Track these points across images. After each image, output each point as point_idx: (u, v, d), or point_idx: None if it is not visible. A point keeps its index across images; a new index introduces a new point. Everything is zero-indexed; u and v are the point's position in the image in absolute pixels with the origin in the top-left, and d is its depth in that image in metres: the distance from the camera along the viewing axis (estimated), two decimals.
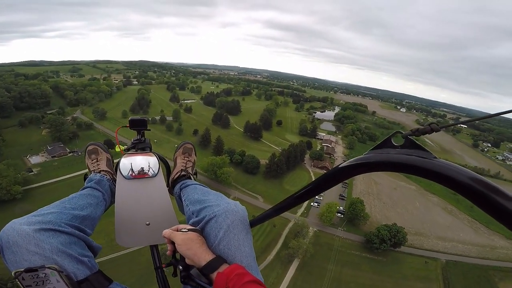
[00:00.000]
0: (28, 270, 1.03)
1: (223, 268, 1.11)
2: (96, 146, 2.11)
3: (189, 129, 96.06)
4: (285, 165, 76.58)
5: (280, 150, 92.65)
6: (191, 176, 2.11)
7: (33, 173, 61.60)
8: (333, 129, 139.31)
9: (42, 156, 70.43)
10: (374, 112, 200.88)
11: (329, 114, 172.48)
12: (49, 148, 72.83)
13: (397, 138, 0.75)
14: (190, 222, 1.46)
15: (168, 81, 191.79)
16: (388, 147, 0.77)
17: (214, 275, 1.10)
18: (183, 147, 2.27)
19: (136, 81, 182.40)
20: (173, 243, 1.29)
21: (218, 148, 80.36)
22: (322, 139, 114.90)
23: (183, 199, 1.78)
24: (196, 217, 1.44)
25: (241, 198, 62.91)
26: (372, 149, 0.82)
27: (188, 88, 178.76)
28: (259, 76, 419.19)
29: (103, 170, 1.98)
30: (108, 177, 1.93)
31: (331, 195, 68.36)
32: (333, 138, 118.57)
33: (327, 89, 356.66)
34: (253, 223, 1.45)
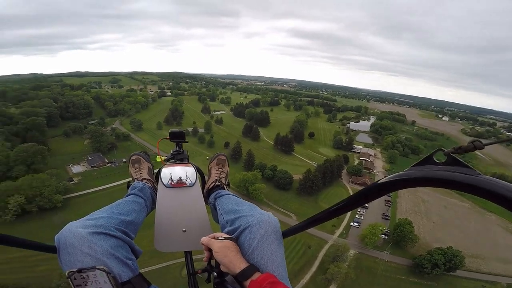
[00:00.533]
0: (81, 270, 1.12)
1: (256, 276, 1.15)
2: (139, 156, 2.29)
3: (220, 141, 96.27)
4: (321, 181, 72.79)
5: (315, 165, 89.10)
6: (225, 186, 2.20)
7: (73, 182, 64.78)
8: (370, 141, 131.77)
9: (83, 165, 74.29)
10: (413, 122, 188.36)
11: (365, 125, 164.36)
12: (89, 158, 76.82)
13: (439, 155, 0.75)
14: (224, 231, 1.52)
15: (199, 92, 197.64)
16: (430, 164, 0.77)
17: (247, 283, 1.14)
18: (217, 159, 2.35)
19: (170, 92, 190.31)
20: (209, 250, 1.35)
21: (249, 162, 79.01)
22: (359, 153, 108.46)
23: (217, 208, 1.85)
24: (230, 226, 1.51)
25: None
26: (413, 166, 0.82)
27: (218, 99, 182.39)
28: (286, 85, 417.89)
29: (145, 179, 2.13)
30: (149, 185, 2.08)
31: (372, 214, 63.97)
32: (371, 151, 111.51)
33: (359, 98, 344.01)
34: (286, 233, 1.47)
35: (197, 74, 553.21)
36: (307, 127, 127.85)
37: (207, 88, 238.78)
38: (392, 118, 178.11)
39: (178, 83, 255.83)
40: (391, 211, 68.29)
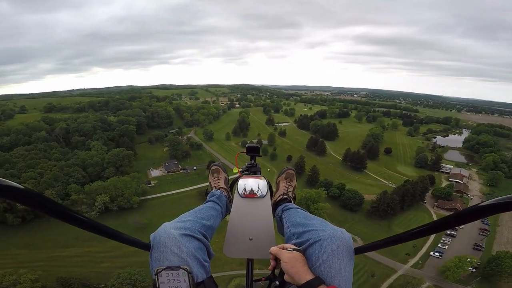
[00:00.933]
0: (168, 268, 1.23)
1: None
2: (218, 167, 2.51)
3: (283, 154, 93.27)
4: (398, 205, 61.99)
5: (393, 186, 77.44)
6: (292, 200, 2.24)
7: (150, 185, 71.52)
8: (463, 159, 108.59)
9: (160, 170, 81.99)
10: None
11: (455, 139, 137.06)
12: (166, 164, 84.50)
13: None
14: (291, 243, 1.52)
15: (264, 103, 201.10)
16: None
17: None
18: (286, 173, 2.42)
19: (238, 104, 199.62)
20: (276, 259, 1.39)
21: (312, 178, 73.32)
22: (449, 173, 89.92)
23: (284, 221, 1.88)
24: (297, 239, 1.53)
25: None
26: None
27: (282, 111, 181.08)
28: (356, 95, 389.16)
29: (222, 187, 2.32)
30: (225, 193, 2.26)
31: (460, 243, 54.73)
32: (464, 171, 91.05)
33: (447, 107, 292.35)
34: (358, 250, 1.46)
35: (262, 85, 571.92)
36: (383, 142, 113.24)
37: (271, 99, 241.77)
38: (493, 132, 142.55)
39: (245, 95, 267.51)
40: (486, 241, 55.70)
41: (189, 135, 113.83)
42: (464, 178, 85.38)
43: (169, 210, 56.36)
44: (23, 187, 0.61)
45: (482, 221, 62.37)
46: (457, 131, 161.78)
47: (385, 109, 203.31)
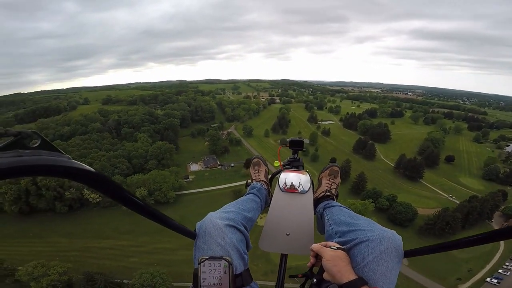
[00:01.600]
0: (211, 258, 1.23)
1: None
2: (259, 159, 2.49)
3: (326, 155, 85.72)
4: (460, 224, 51.74)
5: (454, 200, 65.83)
6: (334, 198, 2.17)
7: (188, 180, 71.27)
8: None
9: (199, 165, 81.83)
10: None
11: None
12: (205, 159, 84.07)
13: None
14: (333, 241, 1.48)
15: (306, 99, 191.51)
16: None
17: None
18: (330, 169, 2.32)
19: (279, 99, 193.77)
20: (316, 256, 1.34)
21: (358, 186, 65.26)
22: None
23: (326, 218, 1.83)
24: (340, 237, 1.49)
25: None
26: None
27: (326, 108, 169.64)
28: (410, 93, 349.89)
29: (262, 180, 2.30)
30: (265, 186, 2.24)
31: None
32: None
33: None
34: (408, 254, 1.36)
35: (305, 81, 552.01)
36: (444, 148, 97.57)
37: (314, 95, 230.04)
38: None
39: (286, 90, 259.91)
40: None
41: (229, 130, 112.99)
42: None
43: (202, 208, 54.19)
44: (94, 170, 0.63)
45: None
46: None
47: (446, 110, 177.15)
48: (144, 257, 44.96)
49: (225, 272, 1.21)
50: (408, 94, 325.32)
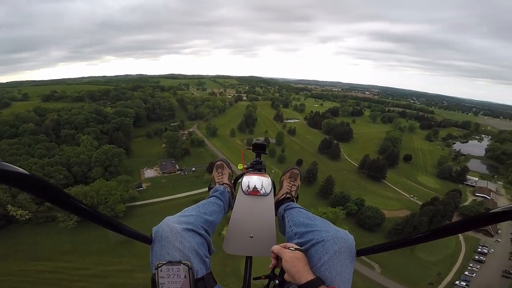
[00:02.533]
0: (169, 263, 1.19)
1: None
2: (223, 162, 2.47)
3: (293, 156, 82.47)
4: (426, 227, 52.20)
5: (415, 200, 67.25)
6: (294, 200, 2.20)
7: (141, 188, 61.97)
8: (484, 169, 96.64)
9: (155, 170, 72.28)
10: None
11: (476, 146, 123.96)
12: (162, 163, 74.70)
13: None
14: (292, 242, 1.51)
15: (272, 97, 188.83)
16: None
17: None
18: (290, 172, 2.37)
19: (246, 96, 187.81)
20: (277, 258, 1.37)
21: (326, 189, 62.81)
22: (474, 187, 78.58)
23: (286, 220, 1.86)
24: (299, 238, 1.51)
25: None
26: None
27: (291, 106, 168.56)
28: (368, 92, 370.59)
29: (225, 183, 2.27)
30: (228, 189, 2.21)
31: (488, 270, 47.13)
32: (491, 185, 79.75)
33: (463, 110, 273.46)
34: (360, 252, 1.44)
35: (271, 78, 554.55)
36: (401, 147, 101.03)
37: (280, 93, 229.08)
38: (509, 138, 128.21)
39: (253, 87, 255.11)
40: None
41: (191, 130, 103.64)
42: (491, 193, 74.30)
43: (158, 221, 46.24)
44: (28, 173, 0.57)
45: None
46: (478, 137, 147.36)
47: (400, 109, 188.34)
48: (93, 282, 37.89)
49: (185, 277, 1.18)
50: (365, 93, 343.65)
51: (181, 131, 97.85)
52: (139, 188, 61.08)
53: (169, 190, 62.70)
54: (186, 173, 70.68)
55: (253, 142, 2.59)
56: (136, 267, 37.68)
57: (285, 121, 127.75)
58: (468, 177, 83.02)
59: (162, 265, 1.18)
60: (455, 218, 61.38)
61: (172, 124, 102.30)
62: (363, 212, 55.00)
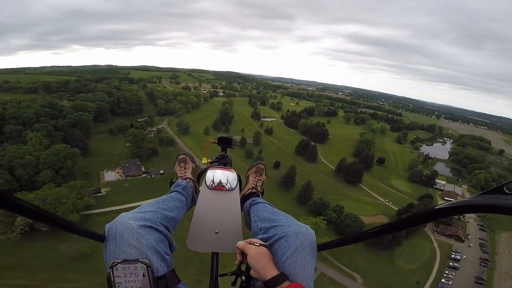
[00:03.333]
0: (125, 262, 1.12)
1: (285, 284, 1.16)
2: (185, 156, 2.39)
3: (270, 158, 79.06)
4: (405, 234, 52.62)
5: (388, 204, 67.72)
6: (260, 194, 2.20)
7: (100, 194, 54.54)
8: (448, 172, 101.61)
9: (118, 173, 64.39)
10: (502, 151, 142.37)
11: (439, 149, 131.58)
12: (126, 165, 66.86)
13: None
14: (257, 238, 1.53)
15: (250, 94, 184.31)
16: (499, 193, 0.74)
17: None
18: (256, 167, 2.36)
19: (222, 92, 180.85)
20: (243, 254, 1.37)
21: (305, 195, 60.34)
22: (442, 190, 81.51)
23: (251, 215, 1.84)
24: (264, 234, 1.52)
25: (331, 275, 43.82)
26: (480, 194, 0.79)
27: (268, 104, 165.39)
28: (340, 93, 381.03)
29: (188, 178, 2.18)
30: (192, 184, 2.12)
31: (463, 277, 47.77)
32: (457, 189, 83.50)
33: (426, 113, 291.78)
34: (321, 247, 1.47)
35: (249, 74, 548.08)
36: (374, 149, 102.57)
37: (257, 90, 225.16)
38: (476, 144, 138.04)
39: (231, 83, 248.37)
40: (487, 273, 49.14)
41: (160, 126, 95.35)
42: (458, 197, 76.48)
43: None
44: None
45: (482, 250, 56.35)
46: (441, 140, 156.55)
47: (372, 111, 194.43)
48: None
49: (144, 275, 1.13)
50: (338, 94, 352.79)
51: (149, 128, 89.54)
52: (98, 194, 53.49)
53: (133, 196, 55.71)
54: (152, 176, 63.79)
55: (218, 136, 2.49)
56: (98, 285, 32.75)
57: (262, 119, 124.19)
58: (437, 180, 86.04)
59: (118, 264, 1.12)
60: (428, 224, 63.05)
61: (139, 120, 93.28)
62: (342, 220, 53.74)
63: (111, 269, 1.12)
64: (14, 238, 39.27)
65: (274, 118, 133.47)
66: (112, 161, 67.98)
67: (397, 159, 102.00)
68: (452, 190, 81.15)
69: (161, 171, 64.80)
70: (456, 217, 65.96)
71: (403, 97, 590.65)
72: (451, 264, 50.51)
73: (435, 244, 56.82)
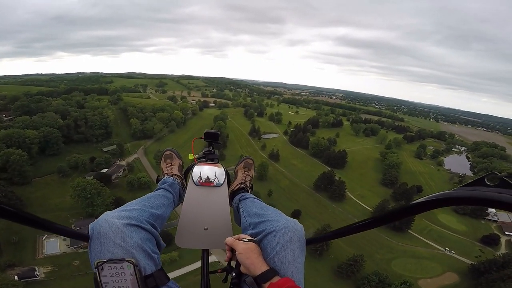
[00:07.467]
0: (110, 261, 1.07)
1: (276, 279, 1.14)
2: (171, 152, 2.22)
3: (282, 199, 55.94)
4: None
5: (453, 255, 46.72)
6: (249, 190, 2.12)
7: (35, 278, 30.57)
8: None
9: (64, 240, 39.24)
10: None
11: (458, 161, 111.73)
12: (76, 228, 41.78)
13: (492, 179, 0.71)
14: (246, 233, 1.49)
15: (244, 103, 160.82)
16: (480, 185, 0.72)
17: (266, 285, 1.14)
18: (245, 162, 2.25)
19: (213, 102, 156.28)
20: (232, 250, 1.32)
21: (352, 269, 37.45)
22: (497, 221, 62.40)
23: (241, 211, 1.79)
24: (253, 229, 1.48)
25: None
26: (462, 186, 0.78)
27: (266, 114, 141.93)
28: (334, 97, 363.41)
29: (175, 174, 2.06)
30: (178, 181, 2.02)
31: None
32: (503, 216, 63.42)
33: (422, 115, 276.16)
34: (310, 242, 1.45)
35: (240, 80, 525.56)
36: (400, 172, 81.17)
37: (251, 97, 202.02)
38: (494, 153, 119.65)
39: (222, 90, 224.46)
40: None
41: (134, 157, 70.14)
42: None
43: None
44: None
45: None
46: (456, 149, 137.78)
47: (376, 117, 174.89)
48: None
49: (131, 274, 1.08)
50: (331, 98, 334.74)
51: (117, 162, 64.42)
52: (30, 279, 28.89)
53: (87, 281, 31.17)
54: None
55: (205, 131, 2.34)
56: None
57: (263, 137, 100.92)
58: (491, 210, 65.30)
59: (103, 264, 1.07)
60: None
61: (105, 150, 67.83)
62: None
63: (97, 269, 1.07)
64: None
65: (276, 134, 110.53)
66: (59, 219, 41.74)
67: (429, 183, 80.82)
68: (509, 221, 61.77)
69: None
70: None
71: (392, 98, 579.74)
72: None
73: None
